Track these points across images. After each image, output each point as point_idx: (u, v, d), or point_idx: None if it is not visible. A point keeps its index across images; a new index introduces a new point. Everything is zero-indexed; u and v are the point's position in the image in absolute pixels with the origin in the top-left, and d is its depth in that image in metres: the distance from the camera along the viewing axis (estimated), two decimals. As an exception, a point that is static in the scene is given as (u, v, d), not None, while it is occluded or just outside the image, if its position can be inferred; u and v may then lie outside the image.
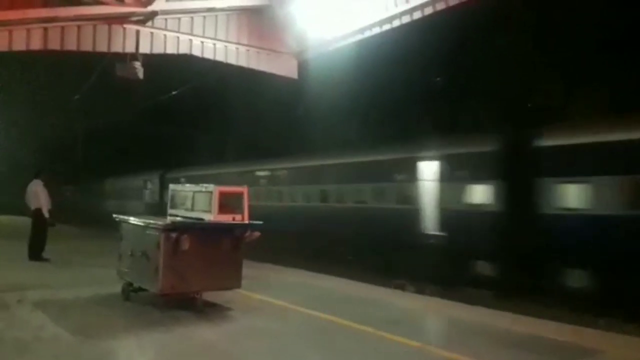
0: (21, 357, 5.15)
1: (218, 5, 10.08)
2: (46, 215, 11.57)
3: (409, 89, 19.43)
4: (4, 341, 5.58)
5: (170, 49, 10.01)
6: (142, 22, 9.72)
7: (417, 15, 8.85)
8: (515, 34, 15.84)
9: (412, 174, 14.59)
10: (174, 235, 6.61)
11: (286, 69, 11.10)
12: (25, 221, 12.71)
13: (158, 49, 9.92)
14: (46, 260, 11.44)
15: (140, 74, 10.33)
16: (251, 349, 5.66)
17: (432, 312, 8.12)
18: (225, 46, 10.37)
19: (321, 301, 8.23)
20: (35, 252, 11.47)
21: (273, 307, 7.74)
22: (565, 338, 6.36)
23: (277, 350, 5.60)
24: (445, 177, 13.73)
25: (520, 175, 12.12)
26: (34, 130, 29.26)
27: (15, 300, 7.46)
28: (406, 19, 9.00)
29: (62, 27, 9.45)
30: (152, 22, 9.80)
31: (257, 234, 7.23)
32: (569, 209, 11.16)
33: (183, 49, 10.06)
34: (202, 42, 10.16)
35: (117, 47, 9.87)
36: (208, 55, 10.26)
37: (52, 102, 21.43)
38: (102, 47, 9.82)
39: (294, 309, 7.59)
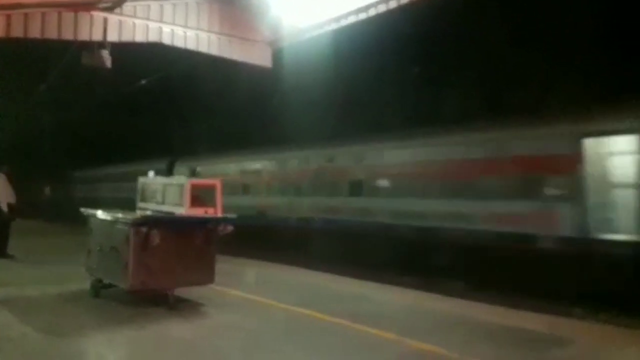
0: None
1: (188, -8, 9.83)
2: (4, 209, 11.16)
3: (385, 79, 19.33)
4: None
5: (140, 37, 9.71)
6: (109, 9, 9.40)
7: (393, 4, 8.74)
8: (492, 22, 15.83)
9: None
10: (144, 229, 6.41)
11: (260, 57, 10.88)
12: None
13: (127, 37, 9.62)
14: (10, 257, 11.05)
15: (108, 63, 10.01)
16: (225, 345, 5.53)
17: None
18: (197, 34, 10.11)
19: (296, 295, 8.13)
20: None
21: (247, 302, 7.60)
22: (538, 328, 6.38)
23: (251, 345, 5.48)
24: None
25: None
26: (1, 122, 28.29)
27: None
28: (382, 8, 8.88)
29: (26, 14, 9.10)
30: (121, 10, 9.49)
31: (230, 227, 7.07)
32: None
33: (152, 37, 9.77)
34: (172, 30, 9.88)
35: (83, 35, 9.54)
36: (178, 43, 9.99)
37: (18, 93, 20.76)
38: (68, 35, 9.48)
39: (268, 303, 7.47)
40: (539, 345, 5.76)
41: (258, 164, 18.95)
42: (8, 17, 8.92)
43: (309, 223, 15.67)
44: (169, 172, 21.47)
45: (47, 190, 37.48)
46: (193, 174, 20.68)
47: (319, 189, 15.74)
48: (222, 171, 18.32)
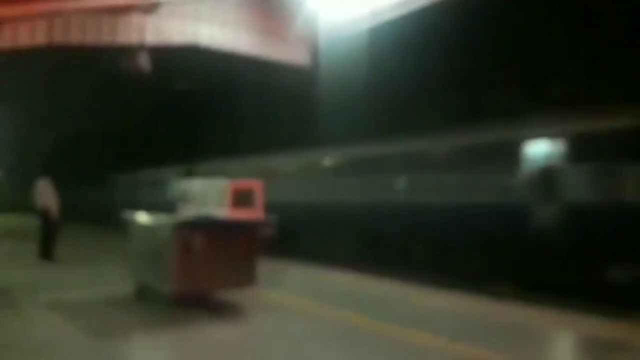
0: (37, 359, 4.97)
1: (225, -8, 9.81)
2: (53, 214, 11.35)
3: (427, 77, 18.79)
4: (18, 343, 5.40)
5: (178, 39, 9.74)
6: (148, 12, 9.45)
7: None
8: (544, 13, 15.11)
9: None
10: (186, 232, 6.33)
11: (297, 56, 10.77)
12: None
13: (164, 39, 9.66)
14: (56, 260, 11.25)
15: (147, 67, 10.08)
16: (268, 349, 5.38)
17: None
18: (233, 35, 10.07)
19: (342, 299, 7.92)
20: (46, 252, 11.29)
21: (291, 305, 7.45)
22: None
23: (296, 351, 5.31)
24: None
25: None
26: (40, 126, 29.04)
27: (28, 301, 7.29)
28: (424, 1, 8.61)
29: (67, 20, 9.26)
30: (158, 12, 9.53)
31: (271, 229, 6.94)
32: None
33: (190, 39, 9.78)
34: (209, 32, 9.87)
35: (122, 39, 9.65)
36: (216, 45, 9.97)
37: (60, 98, 21.28)
38: (107, 39, 9.60)
39: (311, 306, 7.31)
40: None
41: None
42: (50, 24, 9.07)
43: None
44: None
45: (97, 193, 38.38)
46: (189, 173, 20.50)
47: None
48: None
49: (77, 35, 9.36)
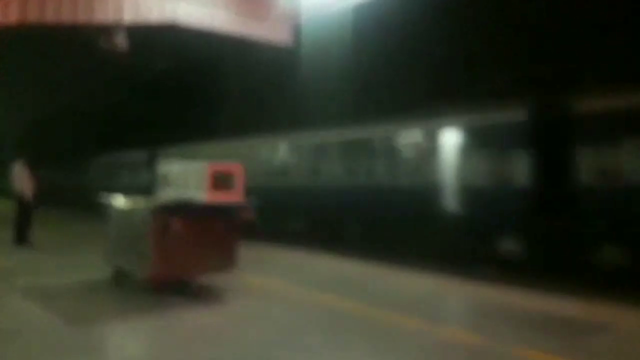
0: (12, 344, 4.89)
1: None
2: (27, 197, 11.10)
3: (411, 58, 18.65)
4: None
5: (156, 17, 9.46)
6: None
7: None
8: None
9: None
10: (164, 217, 6.21)
11: (278, 34, 10.55)
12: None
13: (142, 16, 9.38)
14: (30, 244, 11.04)
15: (125, 46, 9.82)
16: (249, 333, 5.33)
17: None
18: (213, 13, 9.81)
19: (322, 281, 7.96)
20: (21, 237, 11.07)
21: (271, 289, 7.41)
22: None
23: (277, 334, 5.28)
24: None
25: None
26: (17, 107, 28.40)
27: (1, 287, 7.18)
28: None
29: (41, -3, 8.94)
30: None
31: (252, 213, 6.83)
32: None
33: (169, 16, 9.51)
34: (188, 9, 9.60)
35: (99, 16, 9.34)
36: (195, 23, 9.71)
37: (34, 78, 20.79)
38: (83, 17, 9.29)
39: (292, 289, 7.28)
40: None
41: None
42: (24, 1, 8.75)
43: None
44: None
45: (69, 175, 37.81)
46: (151, 159, 20.43)
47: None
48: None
49: (52, 13, 9.04)
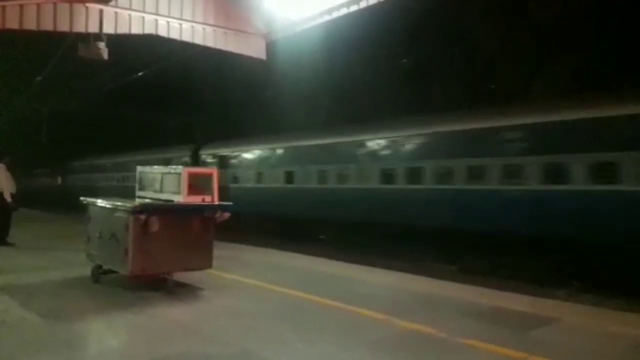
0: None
1: (183, -16, 9.96)
2: (8, 199, 11.31)
3: (377, 70, 19.48)
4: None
5: (135, 29, 9.84)
6: (105, 1, 9.53)
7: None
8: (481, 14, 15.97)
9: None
10: (143, 216, 6.59)
11: (254, 50, 11.04)
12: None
13: (123, 29, 9.75)
14: (11, 245, 11.23)
15: (105, 55, 10.13)
16: (223, 327, 5.71)
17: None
18: (192, 26, 10.25)
19: (294, 279, 8.34)
20: (0, 237, 11.26)
21: (246, 286, 7.81)
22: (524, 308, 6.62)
23: (250, 328, 5.65)
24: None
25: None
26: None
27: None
28: (373, 1, 9.05)
29: (21, 6, 9.20)
30: (116, 2, 9.62)
31: (227, 214, 7.26)
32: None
33: (148, 29, 9.91)
34: (168, 22, 10.02)
35: (79, 27, 9.67)
36: (174, 35, 10.13)
37: (16, 84, 20.83)
38: (63, 27, 9.59)
39: (265, 287, 7.69)
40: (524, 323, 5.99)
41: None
42: (3, 8, 9.00)
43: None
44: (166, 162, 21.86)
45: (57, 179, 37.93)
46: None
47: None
48: None
49: (32, 21, 9.32)
